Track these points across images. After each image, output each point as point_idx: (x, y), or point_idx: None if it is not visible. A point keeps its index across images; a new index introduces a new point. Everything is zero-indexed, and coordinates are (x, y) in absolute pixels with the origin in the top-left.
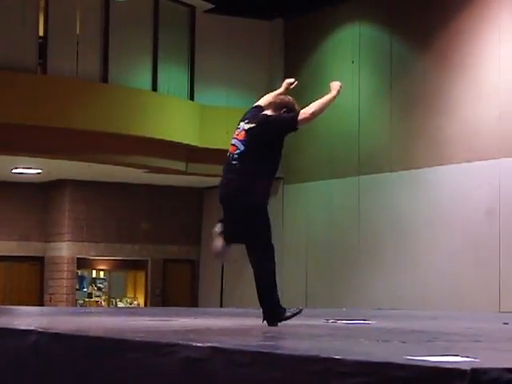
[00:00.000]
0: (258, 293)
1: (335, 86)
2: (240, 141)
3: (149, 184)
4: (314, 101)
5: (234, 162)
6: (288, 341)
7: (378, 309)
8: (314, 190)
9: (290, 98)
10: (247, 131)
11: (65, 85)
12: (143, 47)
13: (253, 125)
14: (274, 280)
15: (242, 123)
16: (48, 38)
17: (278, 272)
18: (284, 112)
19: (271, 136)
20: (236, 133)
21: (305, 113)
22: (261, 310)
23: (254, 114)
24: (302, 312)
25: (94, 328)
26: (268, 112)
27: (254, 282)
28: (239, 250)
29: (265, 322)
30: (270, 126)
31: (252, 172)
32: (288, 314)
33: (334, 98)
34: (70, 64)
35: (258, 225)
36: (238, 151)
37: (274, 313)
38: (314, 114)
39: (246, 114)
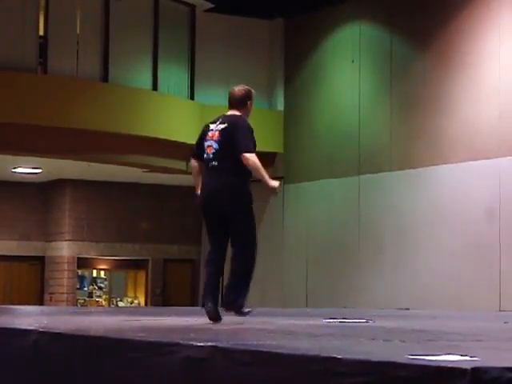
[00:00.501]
0: (233, 280)
1: (275, 183)
2: (214, 141)
3: (149, 183)
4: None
5: (213, 163)
6: (288, 340)
7: (381, 309)
8: (315, 190)
9: (246, 86)
10: (220, 131)
11: (65, 84)
12: (143, 46)
13: (225, 125)
14: (253, 272)
15: (212, 125)
16: (48, 38)
17: (279, 271)
18: (250, 103)
19: (236, 136)
20: (209, 135)
21: (251, 156)
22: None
23: (224, 116)
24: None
25: (94, 328)
26: (236, 112)
27: (233, 270)
28: None
29: (227, 310)
30: (237, 129)
31: (230, 169)
32: (246, 310)
33: (264, 180)
34: (70, 63)
35: (247, 218)
36: (213, 150)
37: (238, 303)
38: (249, 163)
39: (213, 121)
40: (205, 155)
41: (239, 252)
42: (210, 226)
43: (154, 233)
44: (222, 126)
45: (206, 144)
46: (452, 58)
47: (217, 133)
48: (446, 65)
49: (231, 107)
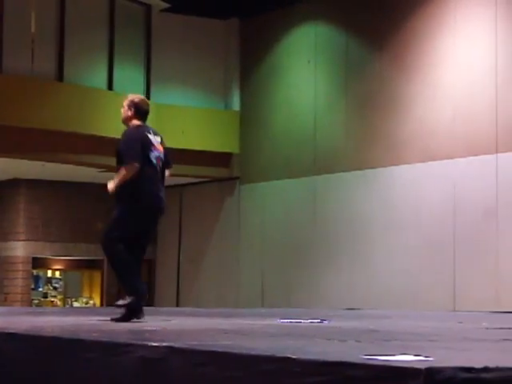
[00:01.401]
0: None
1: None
2: (160, 153)
3: (105, 183)
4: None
5: (159, 174)
6: (244, 340)
7: (336, 309)
8: (270, 190)
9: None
10: (161, 144)
11: (20, 83)
12: (99, 46)
13: (160, 138)
14: None
15: (151, 136)
16: (3, 37)
17: (234, 271)
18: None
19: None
20: (154, 145)
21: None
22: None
23: (150, 127)
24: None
25: (49, 328)
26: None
27: (135, 272)
28: (196, 251)
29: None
30: (165, 146)
31: None
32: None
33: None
34: (25, 62)
35: None
36: (161, 162)
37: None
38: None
39: (142, 130)
40: (153, 163)
41: (141, 257)
42: (150, 228)
43: None
44: (158, 138)
45: (154, 154)
46: (407, 59)
47: (160, 146)
48: (401, 65)
49: (145, 118)
